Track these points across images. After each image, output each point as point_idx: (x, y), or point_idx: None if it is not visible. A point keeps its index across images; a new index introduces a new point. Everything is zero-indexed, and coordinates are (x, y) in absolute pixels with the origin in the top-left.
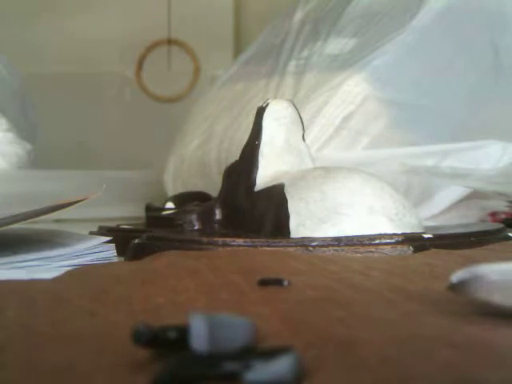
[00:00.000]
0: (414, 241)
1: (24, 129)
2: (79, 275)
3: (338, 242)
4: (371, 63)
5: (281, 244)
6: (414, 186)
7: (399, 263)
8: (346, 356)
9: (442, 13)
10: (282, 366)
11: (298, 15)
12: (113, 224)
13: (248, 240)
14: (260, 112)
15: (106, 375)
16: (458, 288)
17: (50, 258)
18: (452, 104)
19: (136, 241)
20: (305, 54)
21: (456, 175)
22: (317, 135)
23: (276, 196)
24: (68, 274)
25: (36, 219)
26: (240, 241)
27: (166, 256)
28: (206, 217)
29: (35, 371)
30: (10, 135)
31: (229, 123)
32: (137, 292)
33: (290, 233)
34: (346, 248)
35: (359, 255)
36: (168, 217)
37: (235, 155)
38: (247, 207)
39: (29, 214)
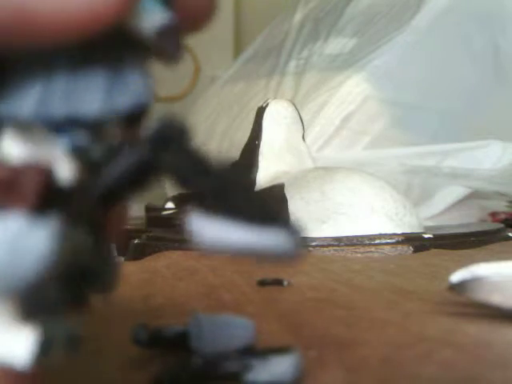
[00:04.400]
0: (413, 241)
1: None
2: None
3: (338, 242)
4: (371, 63)
5: None
6: (413, 186)
7: (399, 263)
8: (346, 356)
9: (442, 13)
10: (282, 365)
11: (298, 15)
12: None
13: None
14: (260, 112)
15: (106, 375)
16: (457, 288)
17: None
18: (452, 104)
19: (136, 241)
20: (305, 53)
21: (456, 175)
22: (317, 135)
23: (276, 196)
24: None
25: None
26: None
27: (166, 256)
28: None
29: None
30: None
31: (229, 123)
32: (137, 292)
33: None
34: (345, 248)
35: (359, 255)
36: (168, 217)
37: (235, 155)
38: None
39: None
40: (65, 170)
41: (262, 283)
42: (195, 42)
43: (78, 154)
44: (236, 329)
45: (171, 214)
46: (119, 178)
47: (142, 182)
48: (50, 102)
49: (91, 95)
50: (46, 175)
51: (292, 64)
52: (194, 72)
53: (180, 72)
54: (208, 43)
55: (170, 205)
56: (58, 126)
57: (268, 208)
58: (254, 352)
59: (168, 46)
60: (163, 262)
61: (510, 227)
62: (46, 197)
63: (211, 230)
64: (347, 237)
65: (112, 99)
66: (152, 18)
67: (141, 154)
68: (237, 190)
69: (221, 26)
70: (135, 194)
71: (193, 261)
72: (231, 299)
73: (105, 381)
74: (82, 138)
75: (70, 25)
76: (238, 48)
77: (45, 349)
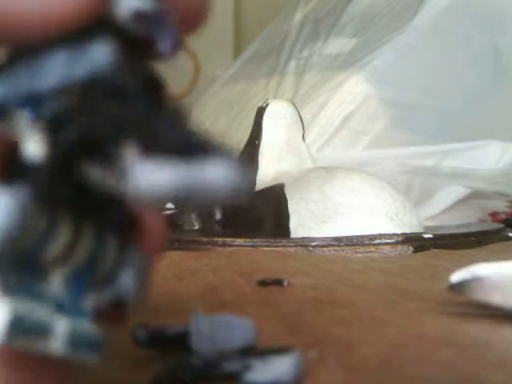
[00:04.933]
0: (414, 241)
1: None
2: None
3: (338, 241)
4: (371, 63)
5: (281, 244)
6: (413, 186)
7: (399, 263)
8: (346, 356)
9: (442, 13)
10: (282, 365)
11: (298, 15)
12: None
13: (248, 240)
14: (260, 112)
15: (106, 375)
16: (457, 288)
17: None
18: (452, 104)
19: None
20: (305, 54)
21: (456, 175)
22: (317, 135)
23: (276, 196)
24: None
25: None
26: (240, 241)
27: (166, 256)
28: (206, 217)
29: None
30: None
31: (229, 123)
32: None
33: (290, 233)
34: (346, 248)
35: (359, 255)
36: (168, 217)
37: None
38: (247, 207)
39: None
40: (32, 145)
41: (262, 283)
42: (195, 41)
43: (41, 123)
44: (236, 329)
45: (171, 213)
46: (77, 140)
47: (104, 143)
48: (14, 83)
49: (50, 71)
50: (10, 147)
51: (292, 64)
52: (194, 72)
53: (180, 72)
54: (208, 43)
55: (169, 205)
56: (23, 102)
57: (206, 142)
58: (254, 352)
59: (148, 32)
60: (163, 262)
61: (510, 227)
62: (10, 167)
63: (150, 174)
64: (347, 237)
65: (70, 71)
66: (128, 3)
67: (95, 116)
68: (172, 131)
69: (221, 26)
70: (102, 157)
71: (193, 261)
72: (231, 299)
73: (105, 381)
74: (44, 109)
75: (50, 23)
76: (238, 48)
77: (15, 327)
